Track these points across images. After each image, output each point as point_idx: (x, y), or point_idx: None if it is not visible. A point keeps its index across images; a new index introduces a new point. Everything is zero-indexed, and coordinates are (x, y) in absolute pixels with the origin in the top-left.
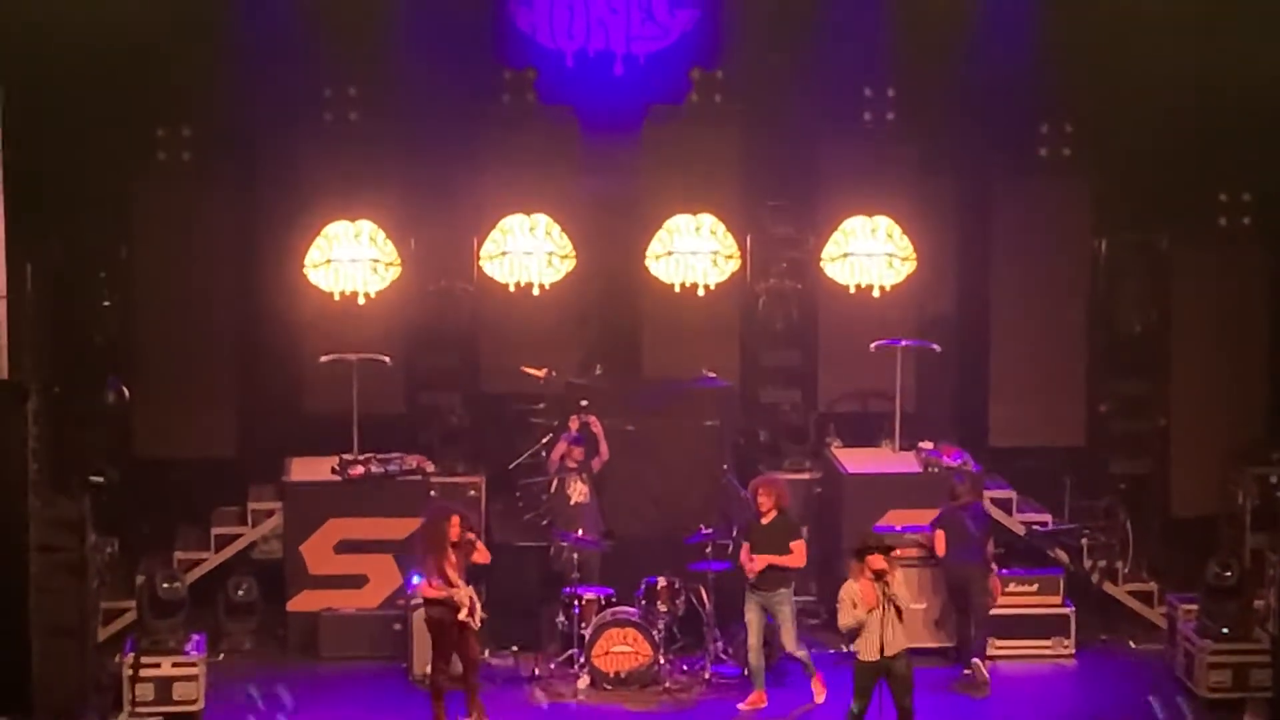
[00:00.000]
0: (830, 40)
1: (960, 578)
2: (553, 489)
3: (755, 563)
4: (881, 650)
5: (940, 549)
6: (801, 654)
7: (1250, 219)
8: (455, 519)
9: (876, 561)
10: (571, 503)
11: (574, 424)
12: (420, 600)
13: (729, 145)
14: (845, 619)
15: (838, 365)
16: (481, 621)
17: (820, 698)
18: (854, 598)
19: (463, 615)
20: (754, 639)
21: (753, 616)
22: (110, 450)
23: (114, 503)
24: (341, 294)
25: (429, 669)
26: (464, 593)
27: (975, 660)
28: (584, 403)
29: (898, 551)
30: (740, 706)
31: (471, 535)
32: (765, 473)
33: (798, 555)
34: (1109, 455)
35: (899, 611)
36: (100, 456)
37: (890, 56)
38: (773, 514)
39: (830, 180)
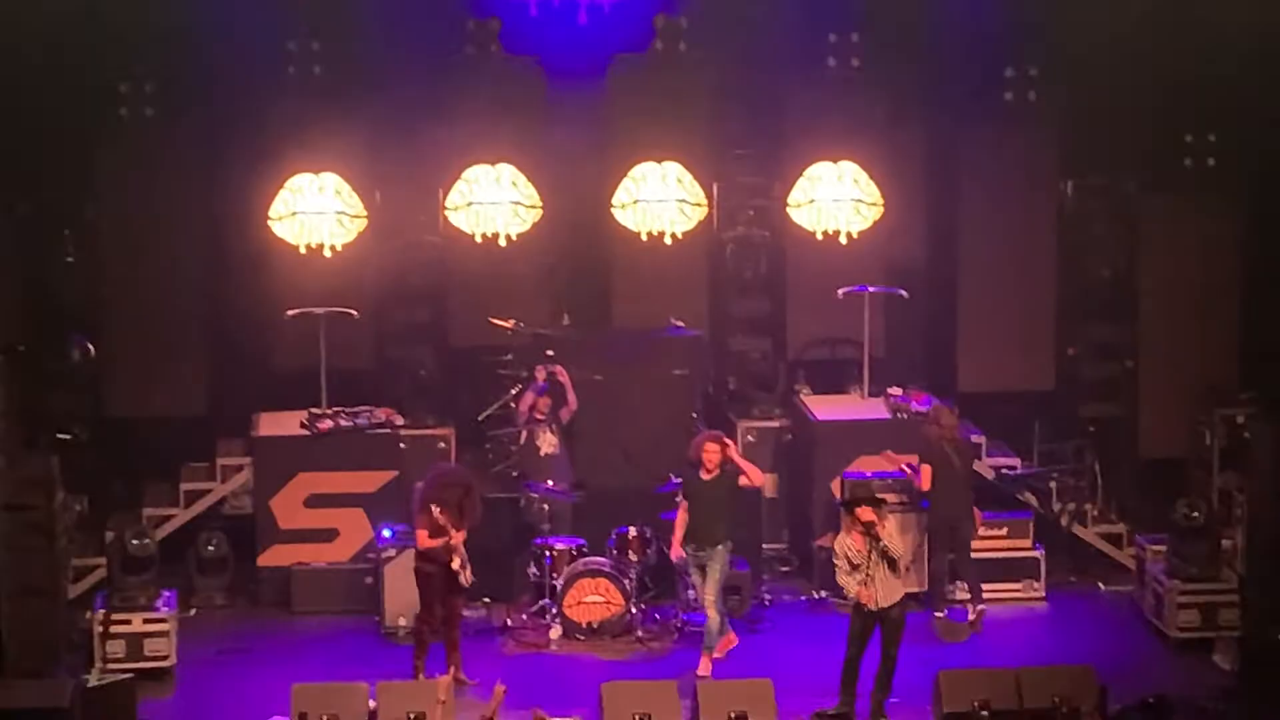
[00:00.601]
0: None
1: (949, 515)
2: (522, 440)
3: (675, 550)
4: (876, 600)
5: (926, 483)
6: (713, 617)
7: (1215, 160)
8: (469, 502)
9: (865, 514)
10: (541, 454)
11: (541, 375)
12: (392, 554)
13: (694, 93)
14: (841, 579)
15: (806, 313)
16: (470, 582)
17: (705, 670)
18: (848, 553)
19: (455, 564)
20: (705, 597)
21: (696, 579)
22: (78, 408)
23: (82, 460)
24: (307, 246)
25: (402, 620)
26: (457, 544)
27: (981, 607)
28: (550, 353)
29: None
30: (715, 655)
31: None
32: (709, 429)
33: (754, 475)
34: (1078, 398)
35: (892, 561)
36: (68, 414)
37: (855, 1)
38: (716, 471)
39: (796, 127)
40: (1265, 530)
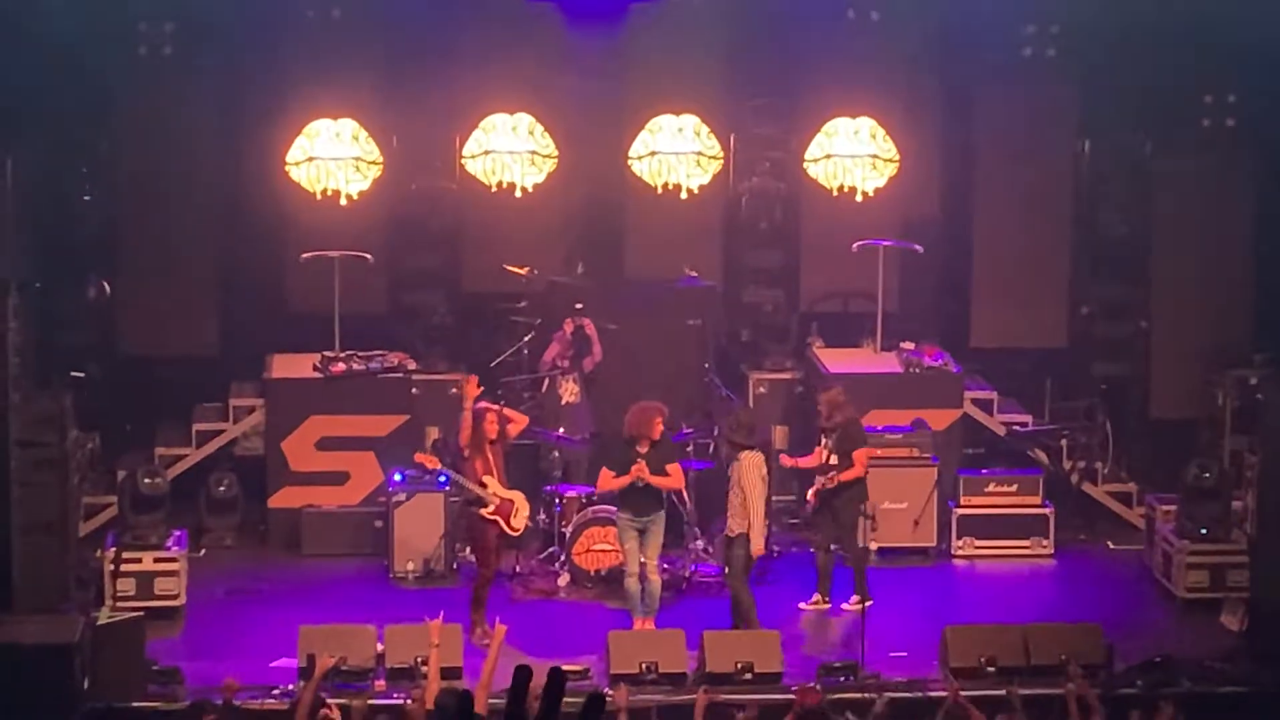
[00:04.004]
0: None
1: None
2: (544, 389)
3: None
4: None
5: (863, 469)
6: (654, 580)
7: (1234, 121)
8: (491, 416)
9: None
10: (562, 403)
11: (568, 327)
12: (402, 498)
13: (712, 44)
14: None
15: (820, 265)
16: (519, 531)
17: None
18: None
19: (485, 512)
20: (634, 565)
21: (631, 545)
22: (92, 346)
23: (95, 398)
24: (323, 192)
25: (411, 564)
26: (495, 493)
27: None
28: (579, 306)
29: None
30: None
31: (498, 412)
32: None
33: (675, 477)
34: (1090, 357)
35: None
36: (81, 352)
37: None
38: (647, 442)
39: (814, 80)
40: (1276, 492)
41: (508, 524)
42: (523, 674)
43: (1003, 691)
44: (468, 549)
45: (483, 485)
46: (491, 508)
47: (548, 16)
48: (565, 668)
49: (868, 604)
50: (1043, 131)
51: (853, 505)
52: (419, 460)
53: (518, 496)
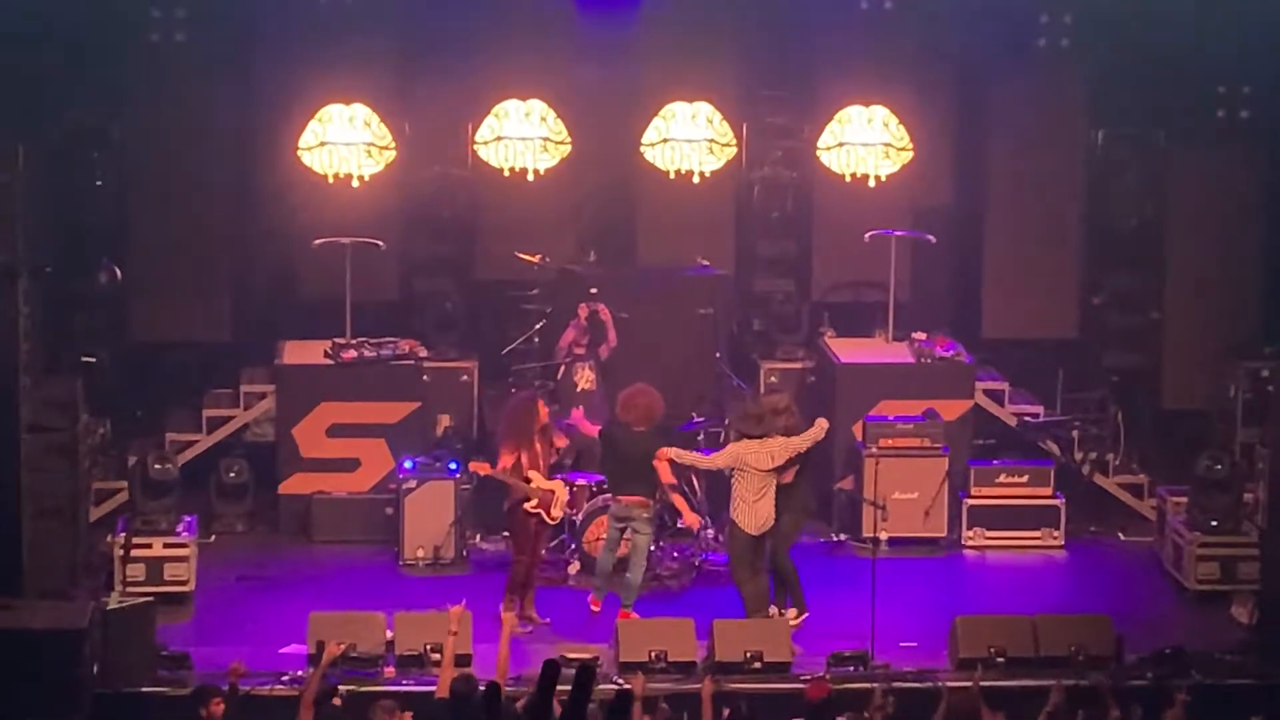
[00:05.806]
0: None
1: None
2: (560, 375)
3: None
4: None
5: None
6: (636, 579)
7: (1248, 112)
8: (542, 403)
9: None
10: (578, 389)
11: (583, 312)
12: (412, 485)
13: (726, 32)
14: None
15: (832, 255)
16: (557, 520)
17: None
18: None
19: (529, 506)
20: (643, 558)
21: (646, 539)
22: (103, 332)
23: (106, 384)
24: (335, 177)
25: (420, 551)
26: (539, 486)
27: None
28: (593, 291)
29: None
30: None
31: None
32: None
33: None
34: (1102, 348)
35: None
36: (92, 338)
37: None
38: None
39: (827, 69)
40: None
41: (548, 514)
42: (552, 669)
43: (1007, 682)
44: (478, 536)
45: (527, 481)
46: (535, 502)
47: (561, 3)
48: (573, 655)
49: (805, 616)
50: (1056, 121)
51: (791, 512)
52: (473, 469)
53: (557, 486)
